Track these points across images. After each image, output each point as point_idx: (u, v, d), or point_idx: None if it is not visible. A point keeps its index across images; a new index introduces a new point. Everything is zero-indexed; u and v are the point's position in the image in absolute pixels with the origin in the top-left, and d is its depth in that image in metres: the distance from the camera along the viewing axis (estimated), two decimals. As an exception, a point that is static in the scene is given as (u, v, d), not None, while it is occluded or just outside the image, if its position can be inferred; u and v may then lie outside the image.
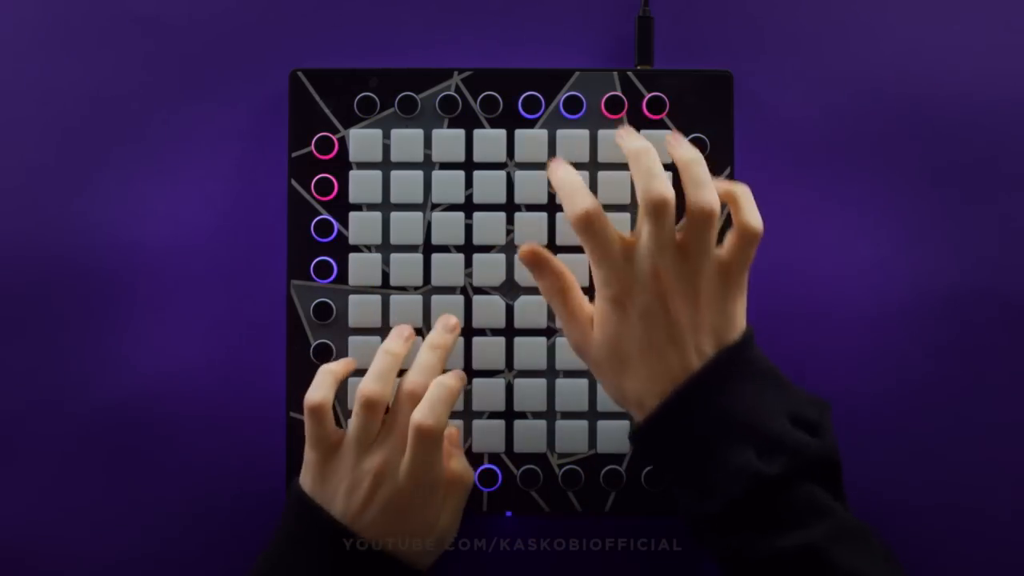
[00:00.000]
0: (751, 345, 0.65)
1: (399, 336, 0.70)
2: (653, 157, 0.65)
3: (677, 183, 0.66)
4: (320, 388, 0.68)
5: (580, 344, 0.66)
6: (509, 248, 0.73)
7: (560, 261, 0.67)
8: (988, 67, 0.76)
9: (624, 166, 0.73)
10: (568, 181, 0.66)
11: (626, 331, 0.64)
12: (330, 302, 0.73)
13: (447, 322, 0.71)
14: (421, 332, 0.73)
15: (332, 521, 0.66)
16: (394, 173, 0.73)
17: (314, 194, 0.73)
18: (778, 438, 0.61)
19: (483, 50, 0.76)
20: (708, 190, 0.64)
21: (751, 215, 0.65)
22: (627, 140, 0.66)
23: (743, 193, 0.66)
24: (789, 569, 0.60)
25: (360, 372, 0.72)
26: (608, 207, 0.73)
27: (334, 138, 0.73)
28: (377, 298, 0.73)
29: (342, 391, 0.72)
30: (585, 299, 0.67)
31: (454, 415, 0.73)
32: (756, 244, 0.65)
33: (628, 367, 0.64)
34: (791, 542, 0.60)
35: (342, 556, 0.65)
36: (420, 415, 0.66)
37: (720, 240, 0.66)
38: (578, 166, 0.73)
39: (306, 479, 0.68)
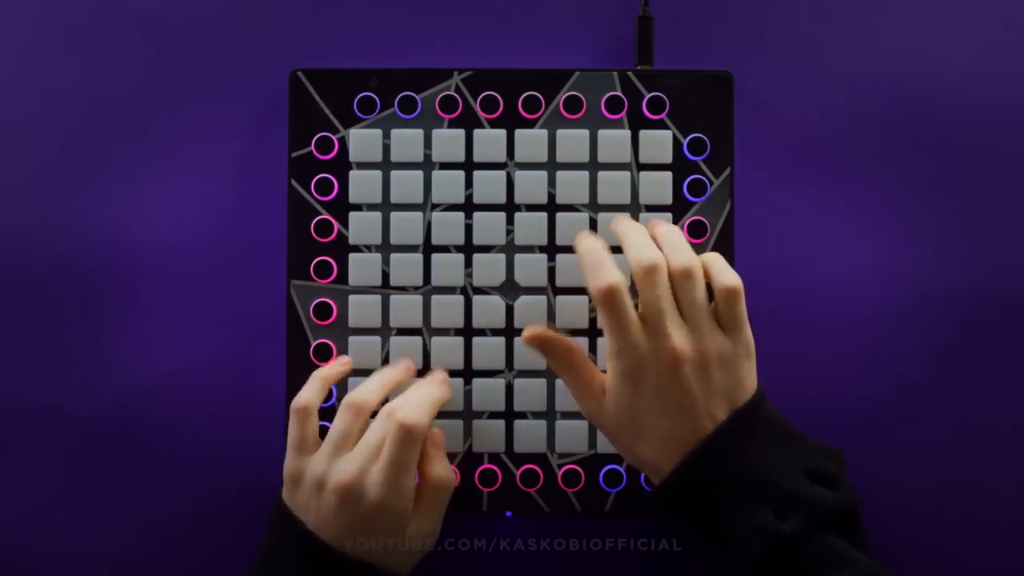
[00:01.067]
0: (763, 404, 0.66)
1: (402, 365, 0.72)
2: (639, 231, 0.68)
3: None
4: (308, 391, 0.69)
5: (594, 414, 0.67)
6: (509, 248, 0.73)
7: (565, 338, 0.68)
8: (988, 67, 0.76)
9: (624, 166, 0.73)
10: (594, 252, 0.67)
11: (639, 403, 0.65)
12: (330, 302, 0.73)
13: (442, 376, 0.72)
14: (421, 332, 0.73)
15: (306, 532, 0.65)
16: (394, 173, 0.73)
17: (314, 194, 0.73)
18: (794, 496, 0.62)
19: (483, 50, 0.76)
20: (685, 251, 0.66)
21: (725, 274, 0.67)
22: (618, 224, 0.69)
23: (714, 257, 0.68)
24: None
25: (360, 373, 0.72)
26: (608, 207, 0.73)
27: (334, 138, 0.73)
28: (377, 298, 0.73)
29: (343, 387, 0.72)
30: (596, 368, 0.67)
31: (454, 415, 0.73)
32: (741, 300, 0.66)
33: (642, 435, 0.65)
34: None
35: (317, 565, 0.65)
36: (404, 412, 0.66)
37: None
38: (578, 166, 0.73)
39: (284, 486, 0.68)
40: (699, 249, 0.73)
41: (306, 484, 0.67)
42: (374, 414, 0.68)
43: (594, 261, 0.66)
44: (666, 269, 0.66)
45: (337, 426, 0.67)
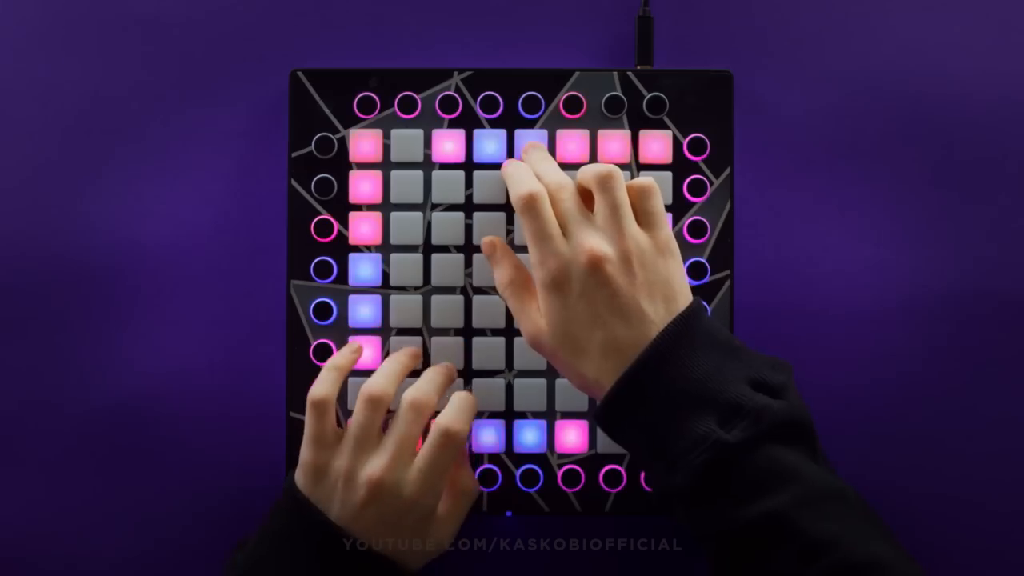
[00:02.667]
0: (701, 313, 0.64)
1: (408, 352, 0.72)
2: (519, 165, 0.70)
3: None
4: (325, 383, 0.68)
5: (534, 336, 0.66)
6: (509, 248, 0.73)
7: (518, 257, 0.69)
8: (988, 67, 0.76)
9: (624, 166, 0.73)
10: (515, 167, 0.69)
11: (570, 314, 0.64)
12: (330, 302, 0.73)
13: (449, 367, 0.72)
14: (421, 332, 0.73)
15: (327, 522, 0.66)
16: (394, 173, 0.73)
17: (314, 194, 0.73)
18: (738, 403, 0.60)
19: (483, 50, 0.76)
20: (603, 165, 0.66)
21: (637, 179, 0.67)
22: (527, 153, 0.71)
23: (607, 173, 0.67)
24: (759, 539, 0.59)
25: (361, 373, 0.72)
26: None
27: (334, 138, 0.73)
28: (377, 298, 0.73)
29: (343, 393, 0.72)
30: (538, 296, 0.67)
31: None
32: (655, 195, 0.66)
33: (581, 350, 0.64)
34: (757, 510, 0.59)
35: (334, 556, 0.65)
36: (448, 419, 0.67)
37: None
38: (578, 166, 0.73)
39: (300, 477, 0.68)
40: (699, 249, 0.73)
41: (332, 477, 0.67)
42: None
43: (515, 174, 0.68)
44: (573, 187, 0.67)
45: (358, 420, 0.67)
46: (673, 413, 0.61)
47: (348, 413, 0.71)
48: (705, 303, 0.66)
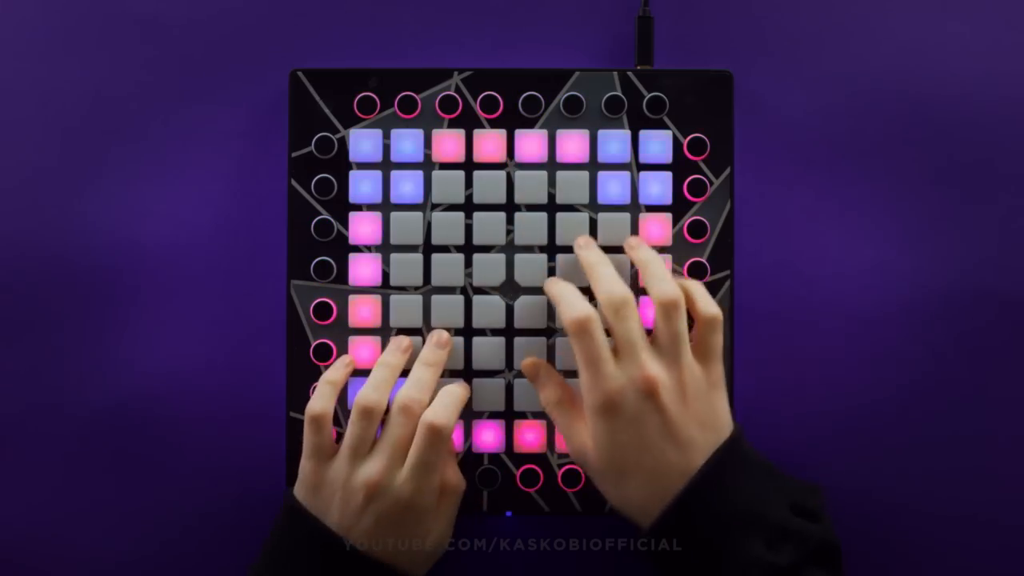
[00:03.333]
0: (743, 439, 0.66)
1: (397, 348, 0.71)
2: (606, 266, 0.69)
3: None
4: (322, 399, 0.69)
5: (580, 455, 0.68)
6: (509, 248, 0.73)
7: (558, 374, 0.70)
8: (988, 67, 0.76)
9: (624, 166, 0.73)
10: (564, 289, 0.69)
11: (619, 438, 0.65)
12: (330, 302, 0.73)
13: (439, 338, 0.72)
14: (421, 332, 0.73)
15: (327, 531, 0.66)
16: (394, 173, 0.73)
17: (314, 194, 0.73)
18: (784, 528, 0.63)
19: (483, 50, 0.76)
20: (668, 283, 0.67)
21: (706, 303, 0.68)
22: (584, 252, 0.70)
23: (695, 285, 0.69)
24: None
25: (360, 373, 0.72)
26: (608, 207, 0.73)
27: (334, 138, 0.73)
28: (377, 298, 0.73)
29: (342, 394, 0.72)
30: (586, 416, 0.67)
31: (454, 415, 0.73)
32: (719, 330, 0.67)
33: (627, 475, 0.65)
34: None
35: (337, 565, 0.65)
36: (432, 414, 0.67)
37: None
38: (578, 166, 0.73)
39: (300, 490, 0.68)
40: (699, 249, 0.73)
41: (328, 488, 0.67)
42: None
43: (565, 297, 0.68)
44: (634, 303, 0.66)
45: (353, 431, 0.68)
46: (722, 538, 0.63)
47: (347, 413, 0.71)
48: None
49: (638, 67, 0.75)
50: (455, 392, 0.70)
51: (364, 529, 0.66)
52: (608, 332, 0.67)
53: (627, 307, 0.66)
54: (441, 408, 0.68)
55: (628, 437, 0.65)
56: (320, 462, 0.68)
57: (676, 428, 0.64)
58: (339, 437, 0.70)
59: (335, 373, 0.71)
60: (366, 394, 0.68)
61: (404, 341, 0.72)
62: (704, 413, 0.66)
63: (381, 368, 0.70)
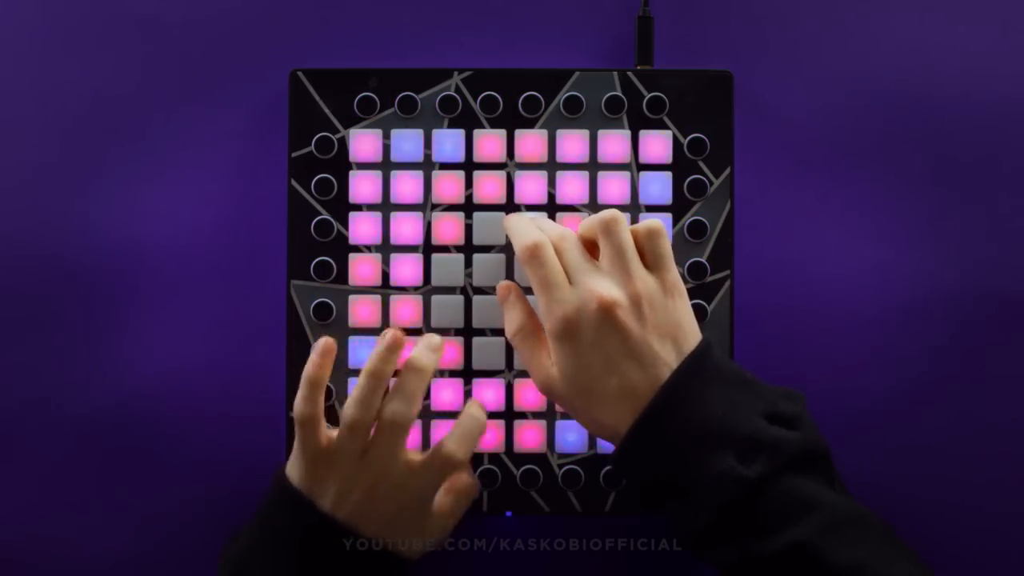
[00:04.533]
0: (712, 351, 0.65)
1: (386, 350, 0.68)
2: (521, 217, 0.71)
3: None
4: (305, 400, 0.67)
5: (546, 384, 0.67)
6: (509, 248, 0.73)
7: (530, 304, 0.69)
8: (988, 67, 0.76)
9: (624, 166, 0.73)
10: (518, 220, 0.70)
11: (581, 361, 0.64)
12: (330, 302, 0.73)
13: (430, 342, 0.70)
14: (421, 332, 0.73)
15: (322, 515, 0.66)
16: (394, 173, 0.73)
17: (314, 194, 0.73)
18: (755, 438, 0.61)
19: (483, 50, 0.76)
20: (605, 212, 0.66)
21: (644, 221, 0.67)
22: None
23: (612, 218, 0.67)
24: (785, 570, 0.60)
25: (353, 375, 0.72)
26: (608, 207, 0.73)
27: (334, 138, 0.73)
28: (377, 298, 0.73)
29: (342, 383, 0.72)
30: (548, 344, 0.67)
31: (455, 415, 0.73)
32: (663, 236, 0.66)
33: (594, 396, 0.64)
34: (782, 541, 0.59)
35: (330, 548, 0.65)
36: (454, 446, 0.67)
37: None
38: (578, 166, 0.73)
39: (295, 473, 0.67)
40: (699, 249, 0.73)
41: (326, 478, 0.67)
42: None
43: (518, 227, 0.68)
44: (573, 237, 0.67)
45: (344, 440, 0.67)
46: (691, 452, 0.62)
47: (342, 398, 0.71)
48: (712, 341, 0.66)
49: (638, 67, 0.75)
50: (475, 423, 0.69)
51: (363, 517, 0.66)
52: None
53: (568, 239, 0.66)
54: (455, 443, 0.68)
55: (590, 359, 0.64)
56: (316, 455, 0.67)
57: (637, 344, 0.63)
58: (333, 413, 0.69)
59: (313, 369, 0.68)
60: (350, 411, 0.67)
61: (392, 338, 0.68)
62: (665, 324, 0.64)
63: (366, 380, 0.67)
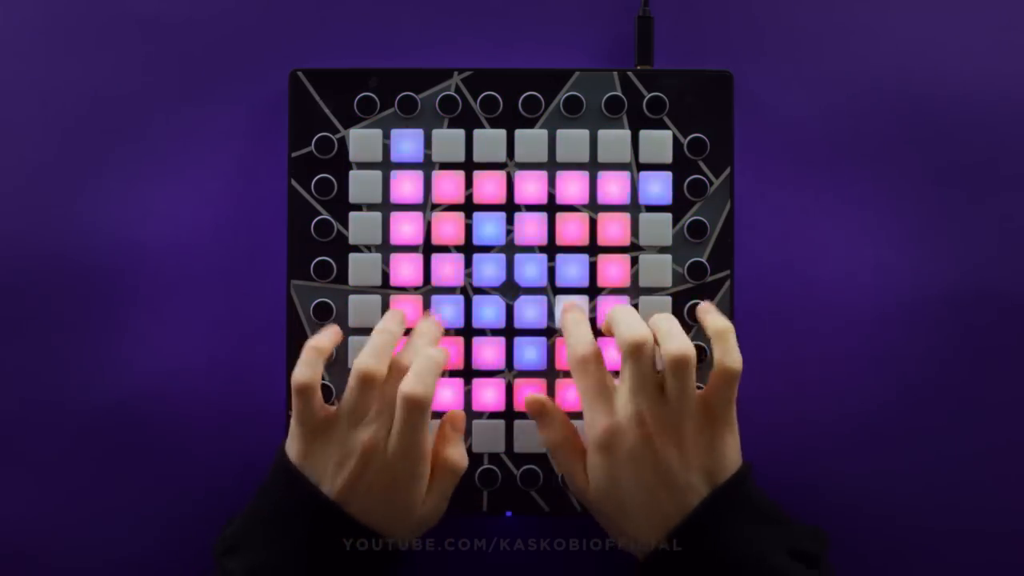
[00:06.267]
0: (745, 482, 0.66)
1: (394, 317, 0.71)
2: (627, 310, 0.69)
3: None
4: (307, 366, 0.67)
5: (580, 490, 0.68)
6: (509, 248, 0.73)
7: (561, 411, 0.70)
8: (988, 67, 0.76)
9: (624, 166, 0.73)
10: (574, 320, 0.69)
11: (617, 474, 0.65)
12: (330, 302, 0.73)
13: (429, 317, 0.72)
14: (421, 332, 0.73)
15: (320, 496, 0.65)
16: (394, 173, 0.73)
17: (314, 194, 0.73)
18: (778, 573, 0.62)
19: (483, 50, 0.76)
20: (681, 339, 0.66)
21: (731, 355, 0.66)
22: (612, 310, 0.69)
23: (726, 332, 0.67)
24: None
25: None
26: (608, 207, 0.73)
27: (334, 138, 0.73)
28: (377, 298, 0.73)
29: (342, 382, 0.72)
30: (587, 453, 0.68)
31: (454, 415, 0.73)
32: (736, 382, 0.66)
33: (625, 512, 0.66)
34: None
35: (325, 530, 0.65)
36: (407, 385, 0.66)
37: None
38: (578, 166, 0.73)
39: (292, 449, 0.67)
40: (699, 249, 0.73)
41: (324, 451, 0.66)
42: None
43: (574, 329, 0.68)
44: (652, 348, 0.66)
45: (351, 397, 0.67)
46: None
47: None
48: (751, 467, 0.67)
49: (638, 67, 0.75)
50: (431, 356, 0.68)
51: (359, 493, 0.66)
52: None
53: (642, 351, 0.66)
54: (415, 377, 0.66)
55: (624, 476, 0.65)
56: (314, 429, 0.67)
57: (671, 470, 0.64)
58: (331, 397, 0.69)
59: (321, 339, 0.68)
60: (365, 360, 0.67)
61: (399, 313, 0.71)
62: (703, 453, 0.65)
63: (379, 334, 0.68)
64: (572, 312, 0.71)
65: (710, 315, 0.69)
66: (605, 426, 0.65)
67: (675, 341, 0.66)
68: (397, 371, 0.67)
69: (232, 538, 0.66)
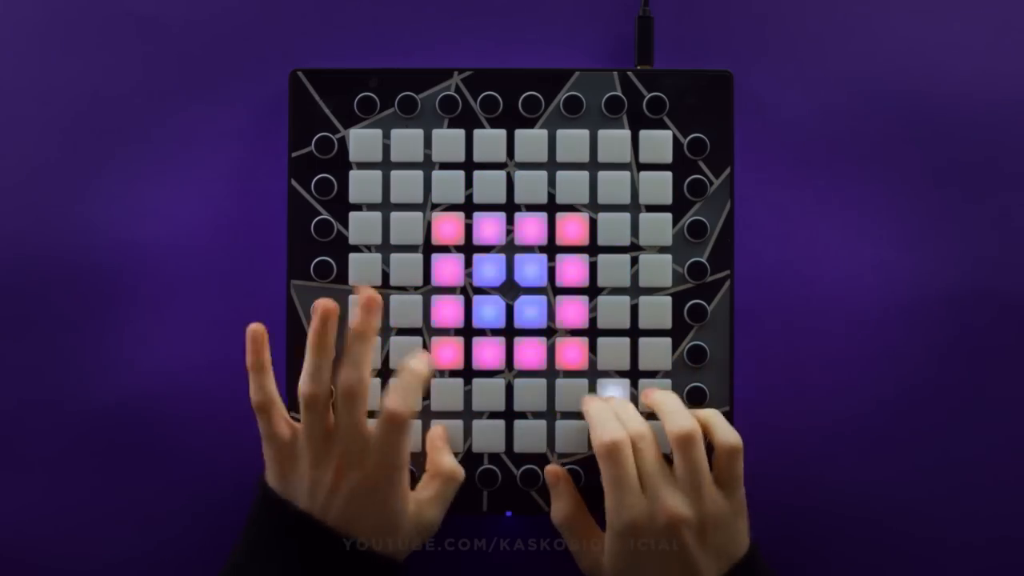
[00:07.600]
0: (756, 561, 0.67)
1: (320, 323, 0.67)
2: (671, 398, 0.69)
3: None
4: (256, 391, 0.67)
5: (592, 570, 0.69)
6: (509, 248, 0.73)
7: (577, 491, 0.71)
8: (988, 67, 0.76)
9: (624, 166, 0.73)
10: (600, 409, 0.69)
11: (637, 561, 0.66)
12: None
13: (366, 299, 0.68)
14: (421, 332, 0.73)
15: (299, 513, 0.66)
16: (394, 173, 0.73)
17: (314, 194, 0.73)
18: None
19: (483, 50, 0.76)
20: (683, 416, 0.67)
21: (726, 433, 0.67)
22: (653, 396, 0.71)
23: (712, 415, 0.69)
24: None
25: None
26: (608, 207, 0.73)
27: (334, 138, 0.73)
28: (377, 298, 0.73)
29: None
30: (597, 528, 0.69)
31: (454, 415, 0.73)
32: (740, 458, 0.67)
33: None
34: None
35: (312, 548, 0.65)
36: (391, 402, 0.66)
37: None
38: (578, 166, 0.73)
39: (269, 474, 0.68)
40: (699, 249, 0.73)
41: (295, 470, 0.66)
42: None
43: (598, 417, 0.68)
44: (651, 438, 0.67)
45: (305, 423, 0.66)
46: None
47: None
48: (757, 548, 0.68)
49: (638, 67, 0.75)
50: (414, 370, 0.68)
51: (338, 508, 0.66)
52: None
53: (646, 439, 0.67)
54: (398, 395, 0.66)
55: (644, 563, 0.66)
56: (281, 448, 0.67)
57: (693, 560, 0.65)
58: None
59: (253, 358, 0.68)
60: (304, 386, 0.66)
61: (323, 309, 0.67)
62: (722, 543, 0.66)
63: (313, 353, 0.67)
64: (596, 402, 0.71)
65: (683, 416, 0.68)
66: (630, 516, 0.66)
67: (678, 418, 0.67)
68: (341, 393, 0.66)
69: (231, 571, 0.67)
